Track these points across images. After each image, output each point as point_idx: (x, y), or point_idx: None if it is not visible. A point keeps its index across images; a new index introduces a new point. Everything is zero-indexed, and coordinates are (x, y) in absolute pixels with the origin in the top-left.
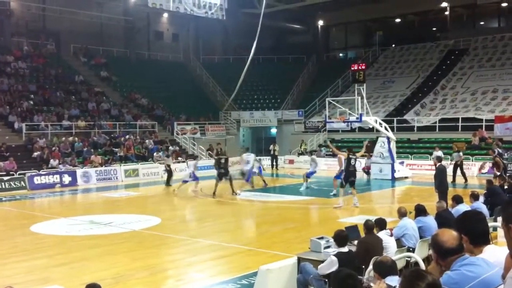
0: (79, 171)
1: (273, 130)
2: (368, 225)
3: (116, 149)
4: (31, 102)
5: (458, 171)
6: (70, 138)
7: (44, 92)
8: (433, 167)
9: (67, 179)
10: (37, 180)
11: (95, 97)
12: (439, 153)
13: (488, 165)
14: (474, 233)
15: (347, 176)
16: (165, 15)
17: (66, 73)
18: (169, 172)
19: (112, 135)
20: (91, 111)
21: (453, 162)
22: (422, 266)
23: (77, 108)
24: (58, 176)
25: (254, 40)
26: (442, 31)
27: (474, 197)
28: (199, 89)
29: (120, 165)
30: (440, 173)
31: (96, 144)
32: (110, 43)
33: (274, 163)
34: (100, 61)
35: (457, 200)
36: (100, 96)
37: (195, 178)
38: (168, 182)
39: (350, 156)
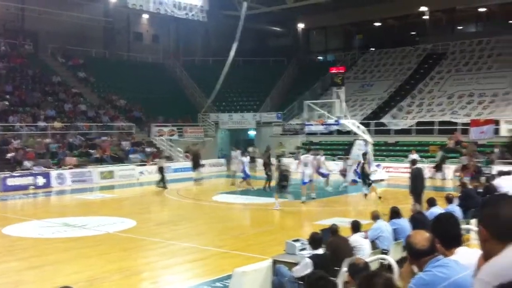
0: (54, 173)
1: (252, 133)
2: (332, 229)
3: (92, 151)
4: (7, 103)
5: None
6: (46, 140)
7: (20, 92)
8: (409, 170)
9: (41, 180)
10: (10, 181)
11: (72, 98)
12: (414, 155)
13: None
14: (447, 236)
15: (280, 180)
16: (145, 16)
17: (44, 74)
18: (162, 173)
19: (88, 137)
20: (68, 112)
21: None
22: (396, 267)
23: (53, 109)
24: (32, 177)
25: (235, 42)
26: (421, 35)
27: (449, 200)
28: (178, 90)
29: (96, 167)
30: (415, 176)
31: (71, 146)
32: (89, 44)
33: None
34: (78, 61)
35: (431, 203)
36: (77, 97)
37: (246, 175)
38: (163, 183)
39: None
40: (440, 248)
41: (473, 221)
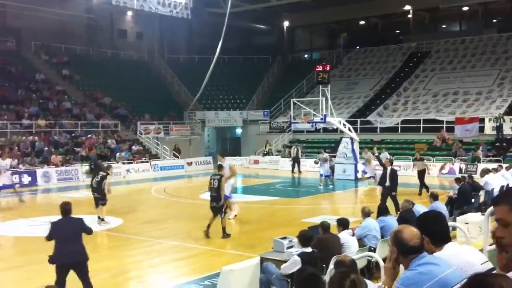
0: (39, 171)
1: (238, 130)
2: (324, 225)
3: (78, 149)
4: None
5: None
6: (30, 137)
7: (3, 90)
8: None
9: (26, 179)
10: None
11: (57, 96)
12: (385, 153)
13: (449, 165)
14: (435, 233)
15: None
16: (129, 13)
17: (27, 71)
18: None
19: (74, 134)
20: (52, 110)
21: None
22: (383, 265)
23: (37, 107)
24: (17, 176)
25: (220, 40)
26: (405, 34)
27: (434, 197)
28: (164, 88)
29: (82, 165)
30: (394, 176)
31: (57, 144)
32: (73, 41)
33: (296, 167)
34: (62, 59)
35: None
36: (62, 94)
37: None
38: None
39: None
40: (429, 246)
41: (459, 218)
